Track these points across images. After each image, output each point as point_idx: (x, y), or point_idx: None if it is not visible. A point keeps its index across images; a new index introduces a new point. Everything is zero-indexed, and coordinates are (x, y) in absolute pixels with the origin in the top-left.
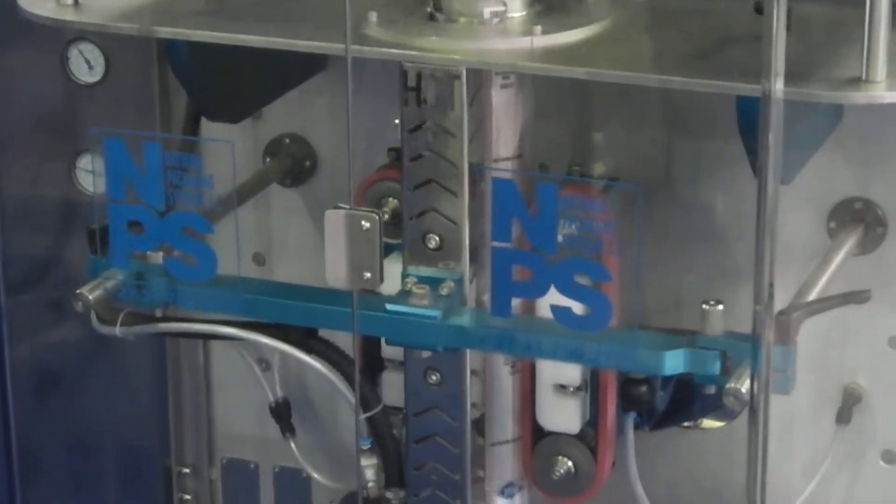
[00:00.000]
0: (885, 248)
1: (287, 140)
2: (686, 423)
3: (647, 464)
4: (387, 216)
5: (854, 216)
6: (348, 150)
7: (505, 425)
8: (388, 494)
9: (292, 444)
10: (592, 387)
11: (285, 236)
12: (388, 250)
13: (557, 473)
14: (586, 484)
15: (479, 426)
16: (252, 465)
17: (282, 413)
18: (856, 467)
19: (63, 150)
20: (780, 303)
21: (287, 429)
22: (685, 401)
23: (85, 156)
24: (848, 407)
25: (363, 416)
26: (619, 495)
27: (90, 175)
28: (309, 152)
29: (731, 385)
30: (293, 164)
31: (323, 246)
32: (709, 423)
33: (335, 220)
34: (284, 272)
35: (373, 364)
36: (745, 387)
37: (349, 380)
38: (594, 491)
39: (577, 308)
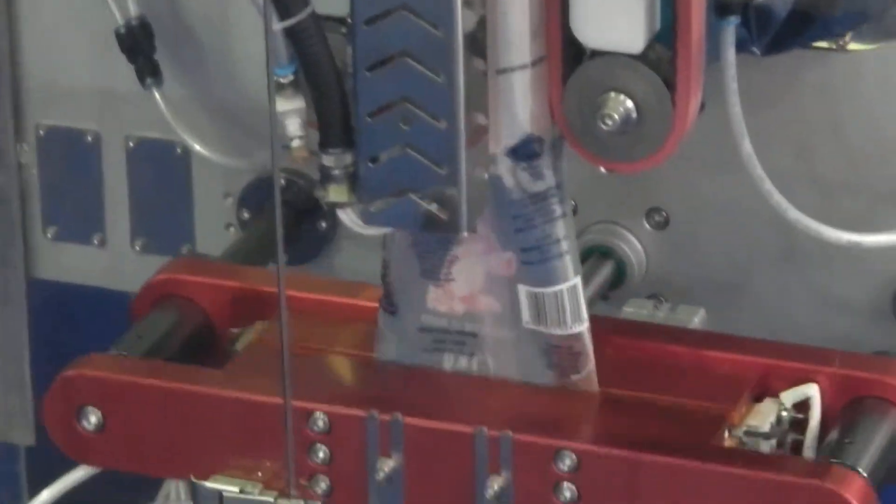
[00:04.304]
0: None
1: None
2: (818, 44)
3: (756, 110)
4: None
5: None
6: None
7: (520, 44)
8: (326, 160)
9: (157, 97)
10: None
11: None
12: None
13: (609, 120)
14: (659, 138)
15: (477, 47)
16: (89, 138)
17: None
18: None
19: None
20: None
21: (149, 73)
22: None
23: None
24: None
25: (279, 26)
26: (713, 159)
27: None
28: None
29: None
30: None
31: None
32: (856, 45)
33: None
34: None
35: None
36: None
37: None
38: (669, 150)
39: None
